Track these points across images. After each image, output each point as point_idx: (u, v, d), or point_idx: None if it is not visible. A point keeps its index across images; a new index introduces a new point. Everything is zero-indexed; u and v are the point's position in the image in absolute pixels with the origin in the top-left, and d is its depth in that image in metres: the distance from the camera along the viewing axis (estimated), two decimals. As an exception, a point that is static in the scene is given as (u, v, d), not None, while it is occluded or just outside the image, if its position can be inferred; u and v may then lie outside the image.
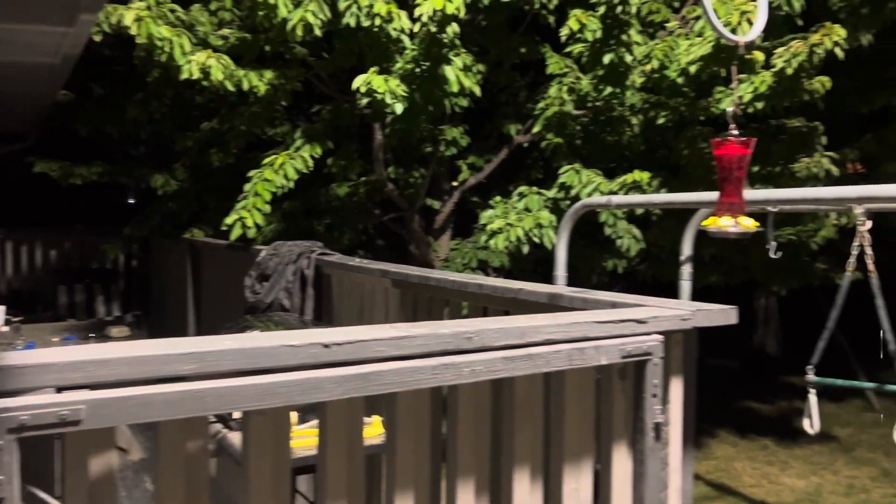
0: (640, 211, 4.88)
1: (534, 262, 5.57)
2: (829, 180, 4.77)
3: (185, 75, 3.88)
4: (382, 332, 1.39)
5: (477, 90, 4.24)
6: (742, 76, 4.11)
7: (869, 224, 3.36)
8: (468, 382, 1.42)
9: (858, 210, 3.24)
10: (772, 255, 3.21)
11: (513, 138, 5.46)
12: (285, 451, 1.33)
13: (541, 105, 4.72)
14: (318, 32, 3.97)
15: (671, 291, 4.40)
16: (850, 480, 5.78)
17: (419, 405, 1.48)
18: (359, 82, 3.75)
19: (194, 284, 5.96)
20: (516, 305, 2.28)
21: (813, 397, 3.56)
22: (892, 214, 7.29)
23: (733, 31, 3.39)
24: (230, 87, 4.14)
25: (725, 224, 1.91)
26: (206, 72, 3.86)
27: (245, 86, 4.23)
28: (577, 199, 4.29)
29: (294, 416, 2.76)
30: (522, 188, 4.66)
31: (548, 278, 4.15)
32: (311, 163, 4.36)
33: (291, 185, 4.29)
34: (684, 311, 1.74)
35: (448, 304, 2.60)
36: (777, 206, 3.12)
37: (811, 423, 3.56)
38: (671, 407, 1.77)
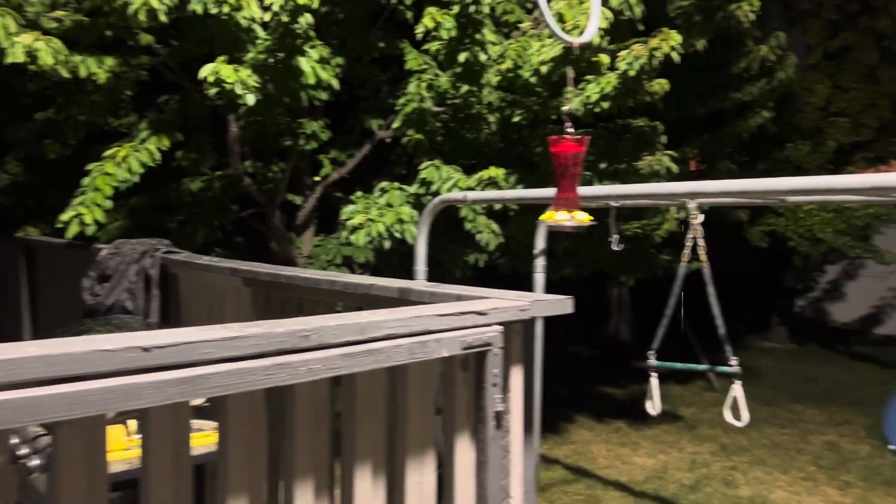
0: (498, 206, 5.00)
1: (399, 258, 5.58)
2: (670, 177, 5.11)
3: (9, 59, 3.55)
4: (211, 333, 1.32)
5: (335, 83, 4.18)
6: (590, 77, 4.31)
7: (701, 217, 3.62)
8: (305, 381, 1.39)
9: (692, 205, 3.48)
10: (614, 248, 3.39)
11: (375, 133, 5.44)
12: (101, 464, 1.24)
13: (401, 101, 4.73)
14: (163, 18, 3.76)
15: (530, 284, 4.56)
16: (693, 456, 6.23)
17: (253, 409, 1.43)
18: (206, 72, 3.58)
19: (30, 287, 5.49)
20: (368, 301, 2.26)
21: (654, 380, 3.79)
22: (727, 208, 7.92)
23: (581, 33, 3.54)
24: (65, 74, 3.83)
25: (561, 218, 1.98)
26: (33, 56, 3.55)
27: (83, 73, 3.94)
28: (437, 194, 4.33)
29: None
30: (384, 183, 4.65)
31: (413, 274, 4.17)
32: (158, 156, 4.12)
33: (136, 179, 4.04)
34: (523, 302, 1.79)
35: (319, 303, 2.54)
36: (619, 202, 3.29)
37: (653, 405, 3.79)
38: (512, 395, 1.82)
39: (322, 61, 4.07)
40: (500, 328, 1.70)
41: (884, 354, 10.01)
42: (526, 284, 4.37)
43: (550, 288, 6.64)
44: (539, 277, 4.33)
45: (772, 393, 8.30)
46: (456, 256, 5.70)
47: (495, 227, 4.87)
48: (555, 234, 5.43)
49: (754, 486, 5.59)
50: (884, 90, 9.35)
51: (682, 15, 4.61)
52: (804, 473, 5.87)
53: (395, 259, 5.57)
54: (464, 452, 1.73)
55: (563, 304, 1.91)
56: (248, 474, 1.40)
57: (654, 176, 4.91)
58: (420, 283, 2.26)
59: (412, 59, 4.61)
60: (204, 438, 2.30)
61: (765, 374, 9.20)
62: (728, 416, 3.62)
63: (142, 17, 3.64)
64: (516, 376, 1.84)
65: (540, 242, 4.26)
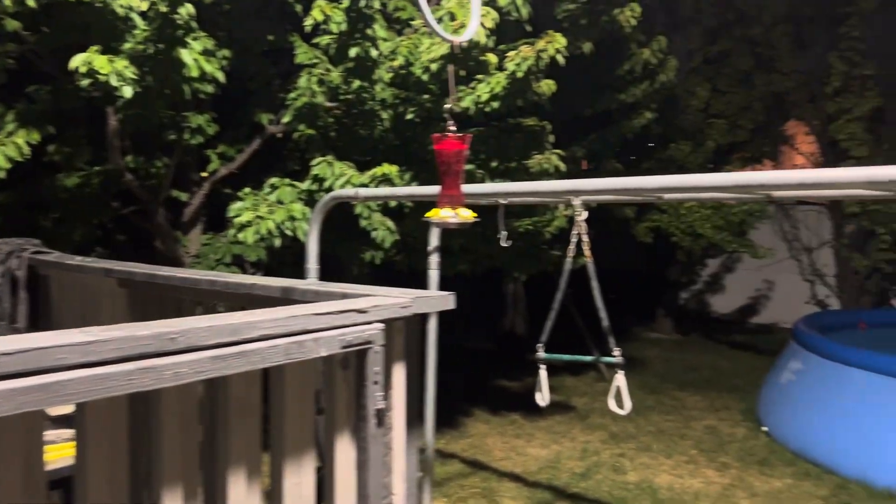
0: (393, 203, 5.00)
1: (294, 256, 5.49)
2: (559, 175, 5.27)
3: None
4: (67, 338, 1.25)
5: (220, 76, 4.05)
6: (480, 76, 4.37)
7: (585, 214, 3.75)
8: (172, 386, 1.34)
9: (576, 202, 3.60)
10: (503, 244, 3.45)
11: (265, 128, 5.31)
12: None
13: (292, 95, 4.64)
14: (31, 3, 3.53)
15: (427, 281, 4.59)
16: (584, 445, 6.45)
17: (116, 416, 1.36)
18: (77, 62, 3.39)
19: None
20: (251, 301, 2.20)
21: (543, 372, 3.89)
22: (614, 206, 8.22)
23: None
24: (-82, 60, 3.53)
25: (446, 215, 2.00)
26: None
27: (-61, 59, 3.65)
28: (330, 191, 4.28)
29: None
30: (274, 179, 4.55)
31: (304, 272, 4.10)
32: (27, 150, 3.87)
33: (3, 175, 3.77)
34: (404, 299, 1.80)
35: (199, 304, 2.45)
36: (507, 199, 3.35)
37: (542, 397, 3.89)
38: (394, 392, 1.82)
39: (206, 53, 3.94)
40: (381, 326, 1.69)
41: (759, 342, 10.70)
42: (423, 281, 4.41)
43: (447, 284, 6.70)
44: (433, 274, 4.35)
45: (658, 381, 8.71)
46: (352, 254, 5.65)
47: (391, 224, 4.87)
48: (450, 231, 5.47)
49: (641, 471, 5.85)
50: (757, 94, 9.99)
51: (569, 18, 4.76)
52: (686, 457, 6.19)
53: (290, 257, 5.47)
54: (345, 451, 1.72)
55: (444, 301, 1.93)
56: (110, 485, 1.34)
57: (543, 174, 5.04)
58: (305, 281, 2.23)
59: (302, 53, 4.53)
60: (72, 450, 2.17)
61: (651, 363, 9.64)
62: (612, 404, 3.77)
63: (7, 1, 3.40)
64: (399, 373, 1.85)
65: (434, 240, 4.29)
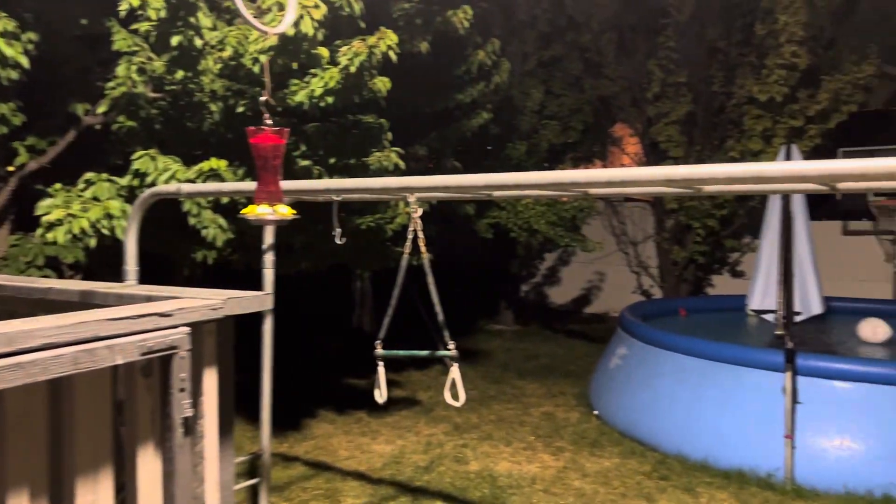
0: (225, 200, 4.80)
1: (117, 257, 5.12)
2: (399, 172, 5.29)
3: None
4: None
5: (24, 60, 3.70)
6: (315, 70, 4.29)
7: (420, 211, 3.79)
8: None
9: (411, 199, 3.63)
10: (337, 241, 3.41)
11: (81, 119, 4.91)
12: None
13: (110, 84, 4.32)
14: None
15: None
16: (428, 438, 6.54)
17: None
18: None
19: None
20: (45, 306, 2.02)
21: (381, 369, 3.89)
22: (456, 203, 8.39)
23: (296, 24, 3.51)
24: None
25: (263, 212, 1.93)
26: None
27: None
28: (153, 186, 4.03)
29: None
30: (90, 175, 4.22)
31: (122, 274, 3.83)
32: None
33: None
34: (215, 300, 1.72)
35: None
36: (340, 196, 3.31)
37: (380, 394, 3.89)
38: (205, 399, 1.74)
39: (7, 35, 3.57)
40: (187, 330, 1.61)
41: (591, 331, 11.37)
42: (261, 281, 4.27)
43: (290, 282, 6.55)
44: (268, 273, 4.22)
45: (500, 371, 9.01)
46: (183, 254, 5.37)
47: (223, 221, 4.67)
48: (289, 228, 5.32)
49: (482, 460, 6.02)
50: (587, 97, 10.60)
51: (404, 17, 4.79)
52: (525, 444, 6.44)
53: (114, 259, 5.10)
54: (150, 463, 1.61)
55: (261, 301, 1.87)
56: None
57: (383, 171, 5.04)
58: (108, 284, 2.07)
59: (121, 40, 4.22)
60: None
61: (494, 354, 9.97)
62: (448, 397, 3.84)
63: None
64: (210, 379, 1.76)
65: (268, 237, 4.16)
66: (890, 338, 7.09)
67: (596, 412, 7.16)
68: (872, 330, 7.16)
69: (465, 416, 7.16)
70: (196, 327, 1.66)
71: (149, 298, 1.85)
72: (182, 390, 1.60)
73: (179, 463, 1.61)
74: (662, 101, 10.29)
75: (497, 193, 3.40)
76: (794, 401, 5.61)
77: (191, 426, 1.62)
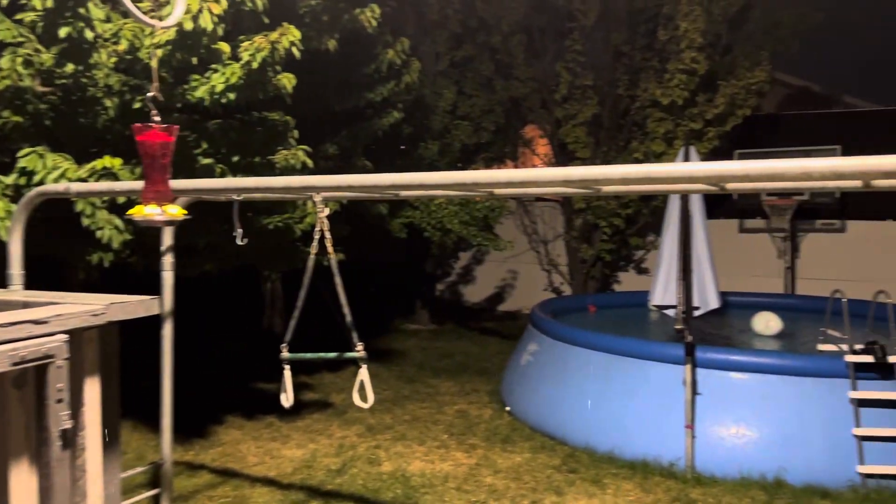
0: (122, 199, 4.59)
1: (3, 260, 4.82)
2: (308, 171, 5.20)
3: None
4: None
5: None
6: (216, 65, 4.16)
7: (327, 211, 3.74)
8: None
9: (317, 198, 3.57)
10: (238, 242, 3.32)
11: (-39, 114, 4.59)
12: None
13: (-7, 77, 4.05)
14: None
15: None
16: (341, 441, 6.46)
17: None
18: None
19: None
20: None
21: (287, 373, 3.83)
22: (370, 202, 8.33)
23: (195, 18, 3.39)
24: None
25: (151, 213, 1.85)
26: None
27: None
28: (42, 185, 3.81)
29: None
30: (-30, 173, 3.95)
31: (7, 279, 3.60)
32: None
33: None
34: (96, 306, 1.63)
35: None
36: (241, 195, 3.23)
37: (286, 398, 3.82)
38: (86, 410, 1.65)
39: None
40: (64, 337, 1.52)
41: (504, 328, 11.53)
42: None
43: (195, 284, 6.34)
44: (167, 276, 4.08)
45: (415, 370, 9.02)
46: (77, 256, 5.11)
47: (119, 222, 4.47)
48: (194, 229, 5.14)
49: (395, 460, 6.00)
50: (498, 98, 10.74)
51: (310, 13, 4.71)
52: (438, 442, 6.47)
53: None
54: (24, 479, 1.52)
55: (147, 306, 1.79)
56: None
57: (290, 170, 4.94)
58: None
59: (5, 30, 3.97)
60: None
61: (410, 353, 9.96)
62: (356, 399, 3.81)
63: None
64: (92, 388, 1.68)
65: (167, 238, 4.01)
66: (781, 330, 7.50)
67: (508, 408, 7.27)
68: (765, 323, 7.56)
69: (378, 417, 7.13)
70: (75, 335, 1.58)
71: (26, 305, 1.74)
72: (60, 401, 1.52)
73: (57, 478, 1.52)
74: (570, 103, 10.55)
75: (403, 193, 3.40)
76: (694, 392, 5.86)
77: (70, 439, 1.54)
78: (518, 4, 10.46)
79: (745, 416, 5.76)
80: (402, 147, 9.91)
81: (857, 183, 2.48)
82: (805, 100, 13.32)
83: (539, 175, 2.43)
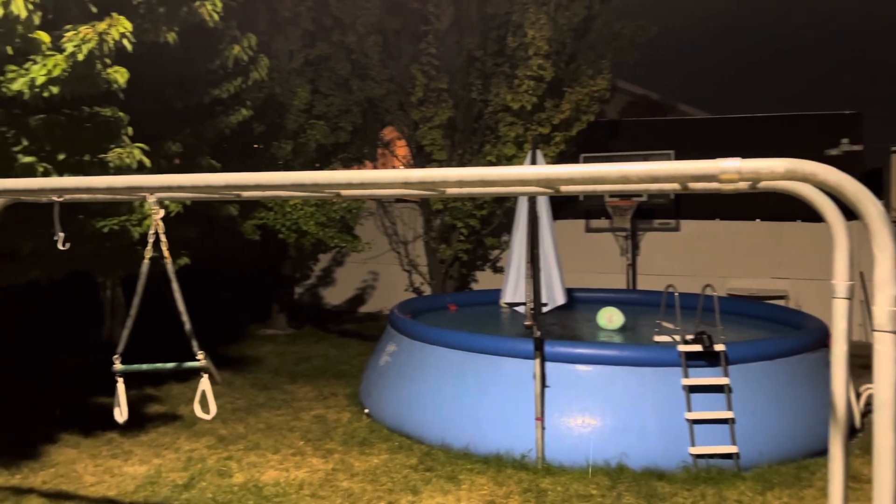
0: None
1: None
2: (145, 170, 4.90)
3: None
4: None
5: None
6: (36, 57, 3.83)
7: (162, 212, 3.54)
8: None
9: (151, 199, 3.37)
10: (60, 247, 3.08)
11: None
12: None
13: None
14: None
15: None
16: (189, 454, 6.15)
17: None
18: None
19: None
20: None
21: (121, 386, 3.60)
22: (218, 203, 8.01)
23: (5, 5, 3.09)
24: None
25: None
26: None
27: None
28: None
29: None
30: None
31: None
32: None
33: None
34: None
35: None
36: (62, 196, 2.98)
37: (120, 412, 3.59)
38: None
39: None
40: None
41: (365, 329, 11.48)
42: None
43: (21, 293, 5.80)
44: (-20, 285, 3.70)
45: (270, 377, 8.77)
46: None
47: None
48: (16, 232, 4.74)
49: (248, 471, 5.80)
50: (355, 98, 10.66)
51: (145, 4, 4.44)
52: (294, 449, 6.31)
53: None
54: None
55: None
56: None
57: (125, 169, 4.64)
58: None
59: None
60: None
61: (265, 360, 9.67)
62: (198, 409, 3.64)
63: None
64: None
65: (-21, 244, 3.63)
66: (623, 324, 7.97)
67: (366, 411, 7.23)
68: (608, 317, 8.01)
69: (230, 427, 6.86)
70: None
71: None
72: None
73: None
74: (426, 105, 10.66)
75: (245, 194, 3.28)
76: (543, 385, 6.10)
77: None
78: (373, 5, 10.44)
79: (590, 407, 6.06)
80: (256, 146, 9.60)
81: (675, 186, 2.66)
82: (646, 107, 14.28)
83: (377, 177, 2.42)
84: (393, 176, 2.33)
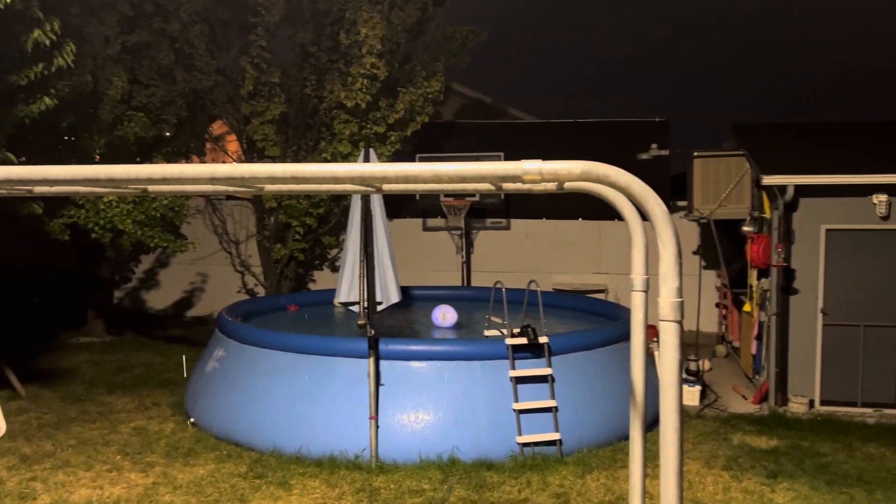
0: None
1: None
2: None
3: None
4: None
5: None
6: None
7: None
8: None
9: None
10: None
11: None
12: None
13: None
14: None
15: None
16: (-16, 478, 5.53)
17: None
18: None
19: None
20: None
21: None
22: (18, 200, 7.26)
23: None
24: None
25: None
26: None
27: None
28: None
29: None
30: None
31: None
32: None
33: None
34: None
35: None
36: None
37: None
38: None
39: None
40: None
41: (193, 334, 10.90)
42: None
43: None
44: None
45: (84, 389, 8.10)
46: None
47: None
48: None
49: (56, 491, 5.32)
50: (180, 90, 10.05)
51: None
52: (110, 465, 5.87)
53: None
54: None
55: None
56: None
57: None
58: None
59: None
60: None
61: (79, 370, 8.92)
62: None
63: None
64: None
65: None
66: (457, 321, 8.15)
67: (192, 420, 6.86)
68: (443, 314, 8.16)
69: (36, 444, 6.26)
70: None
71: None
72: None
73: None
74: (257, 99, 10.31)
75: (37, 189, 2.96)
76: (378, 383, 6.09)
77: None
78: (198, -8, 9.92)
79: (424, 403, 6.14)
80: (67, 138, 8.80)
81: (488, 185, 2.74)
82: (480, 110, 14.70)
83: (182, 172, 2.27)
84: (199, 171, 2.20)
